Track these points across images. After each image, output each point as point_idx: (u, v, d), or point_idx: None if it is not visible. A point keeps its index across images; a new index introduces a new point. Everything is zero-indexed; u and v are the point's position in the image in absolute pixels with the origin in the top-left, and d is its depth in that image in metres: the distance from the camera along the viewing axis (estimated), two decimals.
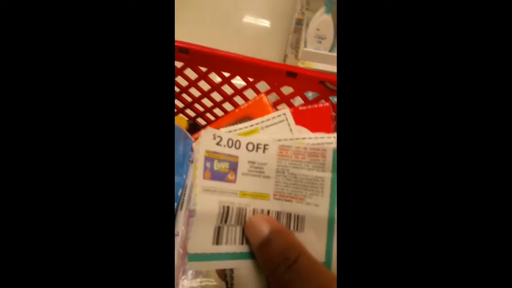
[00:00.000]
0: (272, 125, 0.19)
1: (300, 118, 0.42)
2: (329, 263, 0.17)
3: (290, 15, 1.37)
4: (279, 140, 0.18)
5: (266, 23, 1.44)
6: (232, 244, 0.17)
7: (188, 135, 0.37)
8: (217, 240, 0.17)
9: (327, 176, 0.17)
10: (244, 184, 0.18)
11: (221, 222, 0.17)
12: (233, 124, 0.42)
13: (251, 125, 0.19)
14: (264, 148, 0.18)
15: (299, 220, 0.17)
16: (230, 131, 0.19)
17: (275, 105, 0.44)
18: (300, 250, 0.16)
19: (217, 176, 0.17)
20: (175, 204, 0.33)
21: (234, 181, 0.18)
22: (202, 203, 0.17)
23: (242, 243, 0.18)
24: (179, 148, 0.35)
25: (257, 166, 0.18)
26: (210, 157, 0.17)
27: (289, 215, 0.17)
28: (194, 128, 0.52)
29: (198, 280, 0.21)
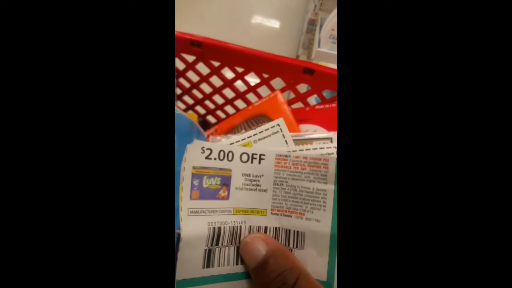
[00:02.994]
0: (265, 137, 0.18)
1: (317, 117, 0.40)
2: (331, 283, 0.16)
3: (302, 15, 1.35)
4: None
5: (276, 23, 1.42)
6: (225, 266, 0.16)
7: (201, 130, 0.35)
8: (207, 264, 0.16)
9: (330, 189, 0.15)
10: (238, 200, 0.16)
11: (211, 245, 0.16)
12: (245, 121, 0.40)
13: (243, 139, 0.17)
14: (260, 159, 0.16)
15: (299, 237, 0.16)
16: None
17: (290, 103, 0.42)
18: (299, 272, 0.15)
19: (207, 194, 0.16)
20: None
21: (227, 197, 0.16)
22: (189, 227, 0.16)
23: (237, 263, 0.16)
24: None
25: (252, 179, 0.16)
26: (198, 174, 0.16)
27: (288, 232, 0.16)
28: (204, 126, 0.51)
29: None
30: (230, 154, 0.16)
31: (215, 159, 0.16)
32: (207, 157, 0.16)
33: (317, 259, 0.15)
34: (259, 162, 0.16)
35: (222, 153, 0.16)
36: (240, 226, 0.16)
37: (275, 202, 0.16)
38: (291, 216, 0.15)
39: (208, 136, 0.38)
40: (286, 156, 0.16)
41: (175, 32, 0.39)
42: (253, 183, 0.16)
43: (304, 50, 1.13)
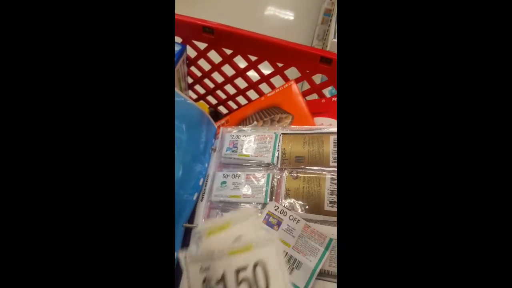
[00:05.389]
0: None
1: (334, 110, 0.38)
2: None
3: (317, 6, 1.31)
4: (305, 219, 0.31)
5: (290, 14, 1.39)
6: None
7: (211, 121, 0.34)
8: None
9: (321, 249, 0.30)
10: (281, 234, 0.30)
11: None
12: (257, 112, 0.38)
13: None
14: (297, 221, 0.31)
15: (297, 262, 0.30)
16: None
17: (305, 95, 0.40)
18: None
19: (269, 224, 0.31)
20: (196, 194, 0.30)
21: (277, 230, 0.30)
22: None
23: None
24: (201, 135, 0.32)
25: (290, 229, 0.30)
26: (269, 214, 0.31)
27: (294, 258, 0.30)
28: (215, 116, 0.49)
29: None
30: (285, 213, 0.31)
31: (279, 212, 0.31)
32: (275, 210, 0.31)
33: (300, 278, 0.29)
34: (296, 223, 0.31)
35: (282, 210, 0.31)
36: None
37: (296, 244, 0.30)
38: (299, 253, 0.30)
39: (219, 127, 0.36)
40: (309, 225, 0.30)
41: (186, 18, 0.38)
42: (290, 230, 0.30)
43: (318, 42, 1.10)
